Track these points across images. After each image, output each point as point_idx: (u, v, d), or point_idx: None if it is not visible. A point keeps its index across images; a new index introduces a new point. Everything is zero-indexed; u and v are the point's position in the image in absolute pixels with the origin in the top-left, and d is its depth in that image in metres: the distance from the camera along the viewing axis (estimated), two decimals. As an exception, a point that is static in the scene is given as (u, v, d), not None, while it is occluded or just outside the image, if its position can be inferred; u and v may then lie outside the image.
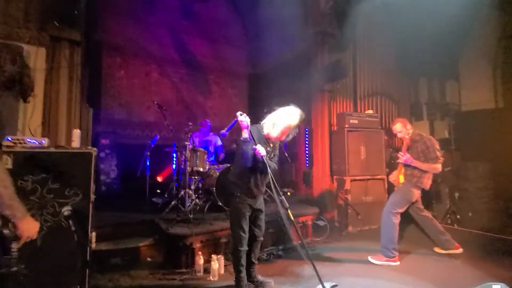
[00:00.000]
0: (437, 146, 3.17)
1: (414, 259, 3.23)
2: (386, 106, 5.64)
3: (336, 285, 2.28)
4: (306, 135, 5.11)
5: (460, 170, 5.01)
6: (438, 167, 3.12)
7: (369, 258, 3.17)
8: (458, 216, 4.65)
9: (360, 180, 4.48)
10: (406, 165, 3.25)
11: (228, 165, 3.93)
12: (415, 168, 3.17)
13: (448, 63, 5.98)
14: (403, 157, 3.17)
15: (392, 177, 3.49)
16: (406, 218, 3.35)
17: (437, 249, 3.38)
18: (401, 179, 3.32)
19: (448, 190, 5.12)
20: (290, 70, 5.79)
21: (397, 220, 3.15)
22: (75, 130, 2.56)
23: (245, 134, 2.22)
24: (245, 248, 2.34)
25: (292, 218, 2.15)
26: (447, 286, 2.54)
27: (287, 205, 2.11)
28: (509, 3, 5.05)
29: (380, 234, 3.25)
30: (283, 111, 2.36)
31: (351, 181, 4.41)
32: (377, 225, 4.38)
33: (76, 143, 2.53)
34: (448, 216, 4.68)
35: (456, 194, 5.04)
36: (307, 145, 5.10)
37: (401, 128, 3.31)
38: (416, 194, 3.21)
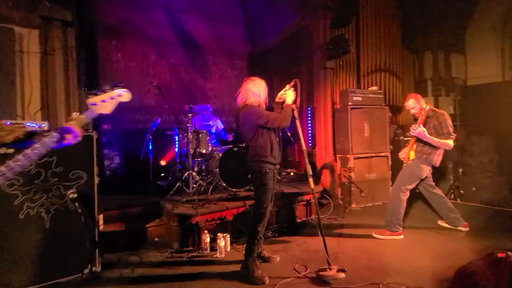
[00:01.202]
0: (450, 122, 3.06)
1: (417, 233, 3.25)
2: (390, 83, 5.50)
3: (344, 270, 2.29)
4: (309, 114, 5.04)
5: (465, 145, 4.96)
6: (450, 143, 3.01)
7: (373, 234, 3.20)
8: (462, 191, 4.66)
9: (363, 157, 4.46)
10: (418, 141, 3.16)
11: (231, 146, 3.91)
12: (425, 144, 3.09)
13: (454, 36, 5.77)
14: (416, 129, 3.01)
15: (401, 154, 3.38)
16: (412, 194, 3.32)
17: (441, 222, 3.41)
18: (412, 155, 3.23)
19: (452, 166, 5.11)
20: (290, 47, 5.62)
21: (405, 196, 3.12)
22: (74, 113, 2.52)
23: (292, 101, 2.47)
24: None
25: (313, 186, 2.44)
26: (451, 257, 2.57)
27: (311, 172, 2.43)
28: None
29: (384, 210, 3.26)
30: (252, 84, 2.46)
31: (354, 159, 4.39)
32: (380, 201, 4.43)
33: (76, 126, 2.50)
34: (452, 191, 4.70)
35: (460, 170, 5.03)
36: (309, 125, 5.04)
37: (415, 104, 3.15)
38: (426, 170, 3.13)
